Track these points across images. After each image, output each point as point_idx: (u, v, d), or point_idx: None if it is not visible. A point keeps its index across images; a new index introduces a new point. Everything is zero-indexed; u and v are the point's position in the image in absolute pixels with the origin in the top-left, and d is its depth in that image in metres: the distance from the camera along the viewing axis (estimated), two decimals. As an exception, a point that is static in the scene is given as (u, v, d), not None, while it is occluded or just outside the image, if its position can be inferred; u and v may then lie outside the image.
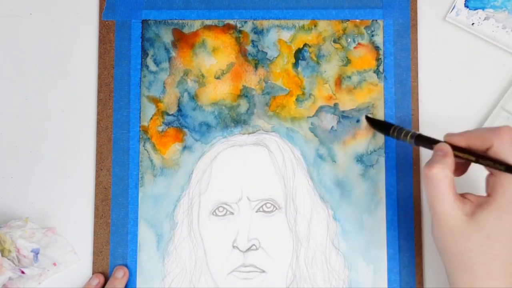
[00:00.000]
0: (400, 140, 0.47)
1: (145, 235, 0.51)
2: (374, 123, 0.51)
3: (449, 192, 0.41)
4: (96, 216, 0.51)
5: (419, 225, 0.50)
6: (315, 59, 0.52)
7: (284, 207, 0.51)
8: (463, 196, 0.42)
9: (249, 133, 0.52)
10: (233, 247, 0.50)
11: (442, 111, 0.52)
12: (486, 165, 0.41)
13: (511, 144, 0.40)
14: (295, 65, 0.52)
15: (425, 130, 0.51)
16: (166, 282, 0.50)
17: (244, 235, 0.50)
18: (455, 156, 0.42)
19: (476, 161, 0.41)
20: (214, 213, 0.51)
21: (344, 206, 0.51)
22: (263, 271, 0.50)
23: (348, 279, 0.50)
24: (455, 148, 0.42)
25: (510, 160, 0.39)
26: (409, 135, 0.45)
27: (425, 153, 0.51)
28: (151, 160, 0.51)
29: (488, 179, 0.42)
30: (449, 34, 0.53)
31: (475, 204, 0.41)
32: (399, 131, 0.46)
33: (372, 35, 0.52)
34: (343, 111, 0.52)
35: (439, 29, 0.53)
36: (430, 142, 0.44)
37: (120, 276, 0.49)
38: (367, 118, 0.51)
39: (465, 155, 0.42)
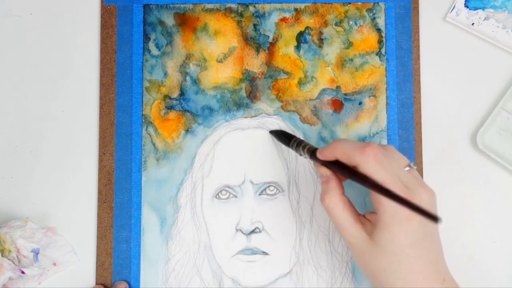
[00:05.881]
0: (299, 153, 0.46)
1: (148, 219, 0.51)
2: (278, 134, 0.50)
3: (346, 216, 0.40)
4: (99, 200, 0.51)
5: (422, 207, 0.50)
6: (316, 42, 0.52)
7: (287, 190, 0.51)
8: (363, 216, 0.41)
9: (252, 117, 0.52)
10: (237, 230, 0.50)
11: (442, 111, 0.52)
12: (357, 182, 0.39)
13: (376, 162, 0.39)
14: (297, 48, 0.52)
15: (426, 130, 0.51)
16: (170, 265, 0.50)
17: (248, 218, 0.50)
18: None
19: (349, 177, 0.40)
20: (217, 196, 0.51)
21: (347, 188, 0.51)
22: (267, 254, 0.50)
23: (351, 261, 0.50)
24: (329, 163, 0.41)
25: (377, 178, 0.38)
26: (306, 148, 0.44)
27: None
28: (154, 144, 0.51)
29: (371, 197, 0.40)
30: (449, 34, 0.52)
31: (372, 223, 0.41)
32: (298, 144, 0.46)
33: (374, 18, 0.52)
34: (345, 94, 0.52)
35: (439, 29, 0.52)
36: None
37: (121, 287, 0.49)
38: (271, 132, 0.51)
39: (338, 171, 0.41)
